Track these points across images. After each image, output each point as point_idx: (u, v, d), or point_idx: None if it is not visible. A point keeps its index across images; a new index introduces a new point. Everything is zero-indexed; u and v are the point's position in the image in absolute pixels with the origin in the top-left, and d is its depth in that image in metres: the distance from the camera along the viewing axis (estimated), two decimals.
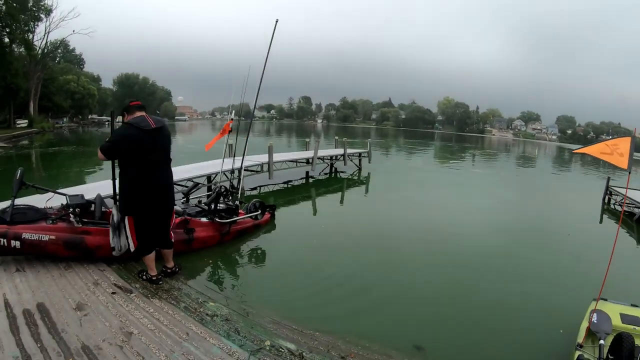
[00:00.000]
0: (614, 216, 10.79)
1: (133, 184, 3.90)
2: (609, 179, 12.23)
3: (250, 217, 6.60)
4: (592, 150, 3.70)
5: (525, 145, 70.29)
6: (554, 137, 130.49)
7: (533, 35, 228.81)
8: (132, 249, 4.08)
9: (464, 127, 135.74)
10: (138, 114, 3.90)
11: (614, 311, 3.56)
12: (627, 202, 10.98)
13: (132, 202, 3.95)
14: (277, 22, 6.45)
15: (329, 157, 14.95)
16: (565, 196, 14.93)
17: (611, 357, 2.91)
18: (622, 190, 11.58)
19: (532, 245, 7.33)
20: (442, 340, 3.85)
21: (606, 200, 12.19)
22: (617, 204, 11.94)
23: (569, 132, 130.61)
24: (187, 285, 4.28)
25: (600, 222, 10.42)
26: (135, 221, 4.01)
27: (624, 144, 3.55)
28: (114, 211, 4.20)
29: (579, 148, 3.99)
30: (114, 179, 4.43)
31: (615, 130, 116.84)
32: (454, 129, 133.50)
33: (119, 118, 4.31)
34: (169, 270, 4.46)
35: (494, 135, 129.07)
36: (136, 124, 3.79)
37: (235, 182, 7.00)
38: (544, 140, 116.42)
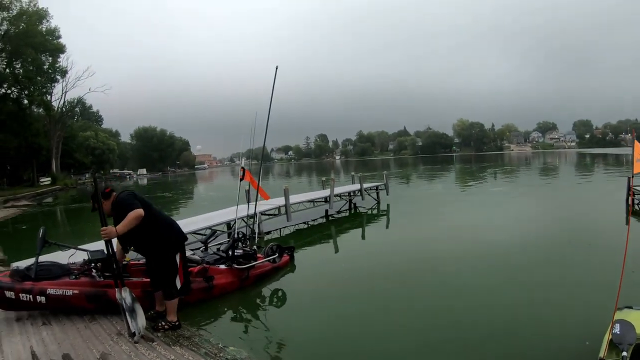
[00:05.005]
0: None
1: (167, 224, 4.38)
2: (629, 179, 11.86)
3: (268, 260, 6.70)
4: None
5: (545, 157, 68.83)
6: (573, 143, 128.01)
7: (542, 45, 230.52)
8: (179, 286, 4.29)
9: (482, 147, 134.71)
10: (114, 194, 4.38)
11: (638, 319, 3.29)
12: None
13: (176, 238, 4.36)
14: (277, 68, 6.84)
15: (346, 194, 14.96)
16: (589, 202, 14.55)
17: None
18: None
19: (558, 256, 7.14)
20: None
21: (629, 202, 11.80)
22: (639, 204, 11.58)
23: (587, 136, 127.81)
24: (207, 332, 4.39)
25: (627, 224, 10.09)
26: (182, 257, 4.38)
27: None
28: (125, 295, 4.06)
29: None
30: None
31: (633, 127, 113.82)
32: (472, 150, 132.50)
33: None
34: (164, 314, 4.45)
35: (512, 150, 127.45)
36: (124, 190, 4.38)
37: (254, 227, 7.21)
38: (562, 149, 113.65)
